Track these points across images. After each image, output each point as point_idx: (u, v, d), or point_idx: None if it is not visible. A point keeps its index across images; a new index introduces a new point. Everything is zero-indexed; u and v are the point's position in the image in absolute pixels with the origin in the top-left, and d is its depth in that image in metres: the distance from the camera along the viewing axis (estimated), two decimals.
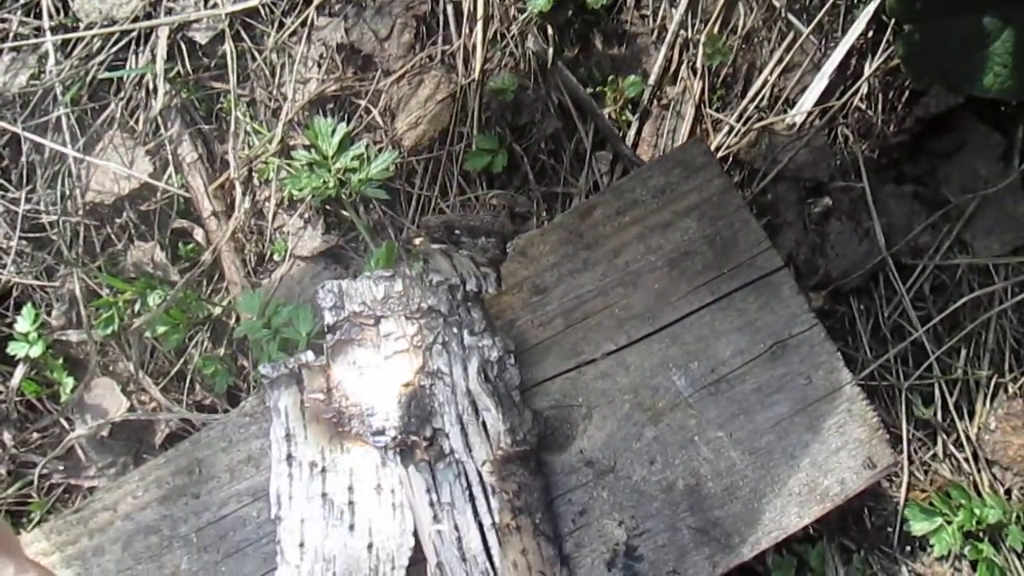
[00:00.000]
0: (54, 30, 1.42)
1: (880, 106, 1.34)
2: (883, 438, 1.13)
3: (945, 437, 1.28)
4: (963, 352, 1.28)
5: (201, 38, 1.43)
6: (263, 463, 1.16)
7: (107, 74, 1.42)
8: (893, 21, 1.31)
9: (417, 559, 1.09)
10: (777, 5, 1.36)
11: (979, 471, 1.26)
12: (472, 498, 1.10)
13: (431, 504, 1.10)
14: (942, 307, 1.28)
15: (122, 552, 1.16)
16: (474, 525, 1.10)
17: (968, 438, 1.27)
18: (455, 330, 1.13)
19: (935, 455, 1.29)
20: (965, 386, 1.29)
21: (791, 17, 1.36)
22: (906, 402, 1.28)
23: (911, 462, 1.28)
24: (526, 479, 1.11)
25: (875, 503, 1.27)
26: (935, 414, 1.28)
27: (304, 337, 1.27)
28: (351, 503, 1.11)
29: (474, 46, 1.40)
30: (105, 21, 1.42)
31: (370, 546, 1.09)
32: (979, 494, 1.25)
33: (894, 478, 1.27)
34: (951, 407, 1.28)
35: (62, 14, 1.45)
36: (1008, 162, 1.28)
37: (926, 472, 1.28)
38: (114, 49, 1.43)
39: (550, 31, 1.40)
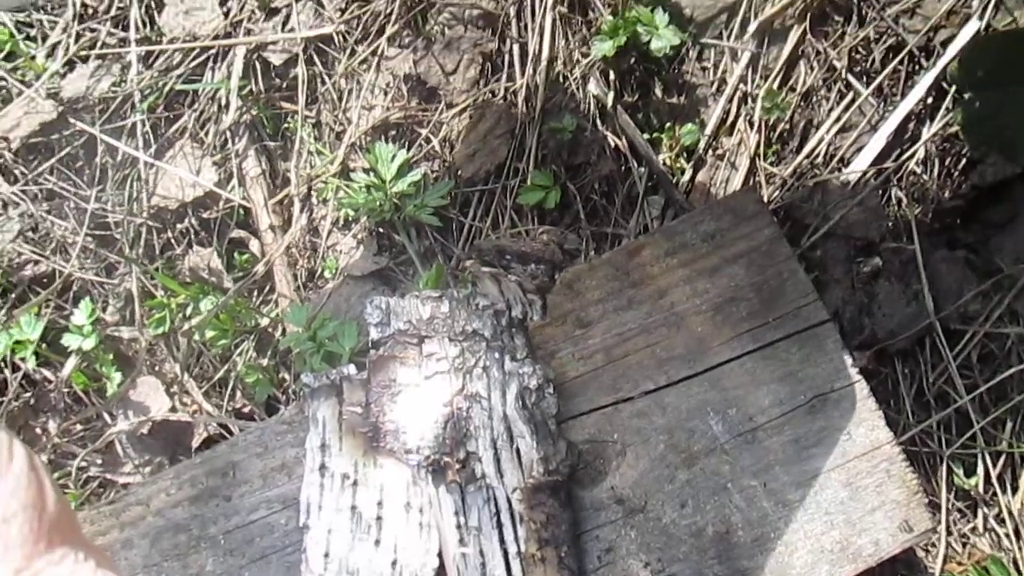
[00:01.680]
0: (139, 42, 1.49)
1: (936, 171, 1.34)
2: (921, 502, 1.10)
3: (986, 510, 1.25)
4: (1009, 424, 1.26)
5: (276, 59, 1.49)
6: (296, 472, 1.17)
7: (184, 86, 1.49)
8: (954, 88, 1.32)
9: None
10: (838, 66, 1.38)
11: (1020, 548, 1.23)
12: (499, 524, 1.10)
13: (458, 527, 1.10)
14: (989, 377, 1.26)
15: (150, 548, 1.17)
16: (499, 552, 1.09)
17: (1011, 513, 1.23)
18: (497, 355, 1.14)
19: (975, 528, 1.25)
20: (1010, 459, 1.26)
21: (851, 78, 1.38)
22: (947, 471, 1.26)
23: (949, 533, 1.25)
24: (555, 510, 1.10)
25: (909, 572, 1.23)
26: (977, 485, 1.25)
27: (347, 352, 1.29)
28: (379, 518, 1.11)
29: (536, 85, 1.43)
30: (187, 37, 1.49)
31: (394, 563, 1.09)
32: (1019, 572, 1.21)
33: (930, 548, 1.24)
34: (994, 479, 1.25)
35: (148, 27, 1.52)
36: None
37: (964, 544, 1.25)
38: (193, 64, 1.50)
39: (612, 76, 1.43)
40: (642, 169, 1.41)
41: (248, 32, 1.50)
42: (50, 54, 1.51)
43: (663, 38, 1.36)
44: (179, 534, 1.17)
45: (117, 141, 1.46)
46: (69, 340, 1.38)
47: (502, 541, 1.10)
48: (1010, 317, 1.28)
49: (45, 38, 1.52)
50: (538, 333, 1.19)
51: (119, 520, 1.18)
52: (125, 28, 1.52)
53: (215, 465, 1.19)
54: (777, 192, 1.38)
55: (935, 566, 1.23)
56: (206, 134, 1.49)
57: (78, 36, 1.51)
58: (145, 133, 1.47)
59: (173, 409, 1.37)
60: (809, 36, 1.39)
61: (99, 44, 1.51)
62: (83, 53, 1.51)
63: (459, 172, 1.43)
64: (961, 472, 1.26)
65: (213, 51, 1.50)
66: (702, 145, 1.41)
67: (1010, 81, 1.19)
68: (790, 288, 1.19)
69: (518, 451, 1.11)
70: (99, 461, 1.38)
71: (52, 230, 1.46)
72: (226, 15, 1.51)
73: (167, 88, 1.49)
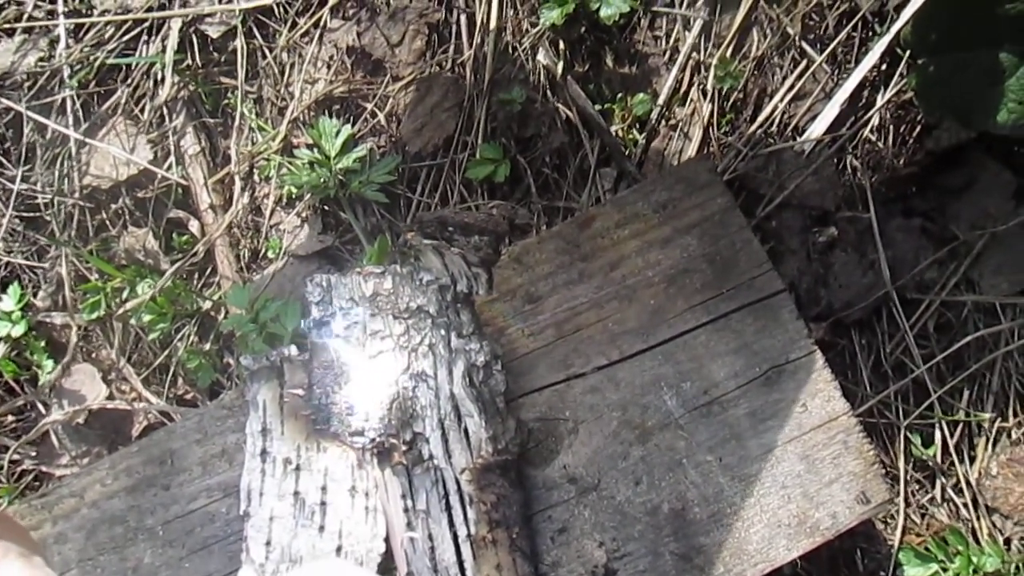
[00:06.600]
0: (68, 15, 1.43)
1: (891, 138, 1.32)
2: (879, 473, 1.08)
3: (944, 480, 1.24)
4: (966, 393, 1.24)
5: (213, 32, 1.43)
6: (237, 458, 1.13)
7: (116, 60, 1.42)
8: (908, 53, 1.29)
9: (387, 567, 1.05)
10: (791, 33, 1.35)
11: (978, 518, 1.21)
12: (448, 507, 1.06)
13: (406, 510, 1.06)
14: (946, 345, 1.25)
15: (85, 541, 1.12)
16: (449, 535, 1.06)
17: (968, 483, 1.22)
18: (443, 332, 1.10)
19: (933, 498, 1.24)
20: (967, 428, 1.24)
21: (805, 45, 1.35)
22: (905, 441, 1.24)
23: (908, 504, 1.23)
24: (505, 491, 1.07)
25: (868, 544, 1.22)
26: (935, 455, 1.23)
27: (289, 333, 1.24)
28: (323, 504, 1.07)
29: (484, 56, 1.39)
30: (119, 9, 1.43)
31: (339, 549, 1.05)
32: (977, 542, 1.20)
33: (889, 520, 1.23)
34: (951, 449, 1.23)
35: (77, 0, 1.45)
36: (1019, 201, 1.25)
37: (923, 515, 1.23)
38: (125, 37, 1.44)
39: (561, 46, 1.39)
40: (594, 141, 1.37)
41: (183, 3, 1.44)
42: None
43: (613, 5, 1.33)
44: (115, 526, 1.12)
45: (46, 118, 1.40)
46: None
47: (451, 524, 1.06)
48: (966, 285, 1.26)
49: None
50: (486, 309, 1.15)
51: (52, 514, 1.13)
52: (53, 1, 1.45)
53: (152, 453, 1.14)
54: (731, 162, 1.35)
55: (894, 538, 1.21)
56: (141, 111, 1.43)
57: (2, 8, 1.44)
58: (75, 110, 1.41)
59: (111, 397, 1.31)
60: (761, 3, 1.36)
61: (25, 17, 1.44)
62: (7, 26, 1.44)
63: (406, 147, 1.39)
64: (919, 442, 1.24)
65: (147, 24, 1.44)
66: (654, 115, 1.38)
67: (964, 45, 1.17)
68: (744, 258, 1.16)
69: (466, 431, 1.08)
70: (33, 453, 1.32)
71: None
72: None
73: (98, 63, 1.42)
